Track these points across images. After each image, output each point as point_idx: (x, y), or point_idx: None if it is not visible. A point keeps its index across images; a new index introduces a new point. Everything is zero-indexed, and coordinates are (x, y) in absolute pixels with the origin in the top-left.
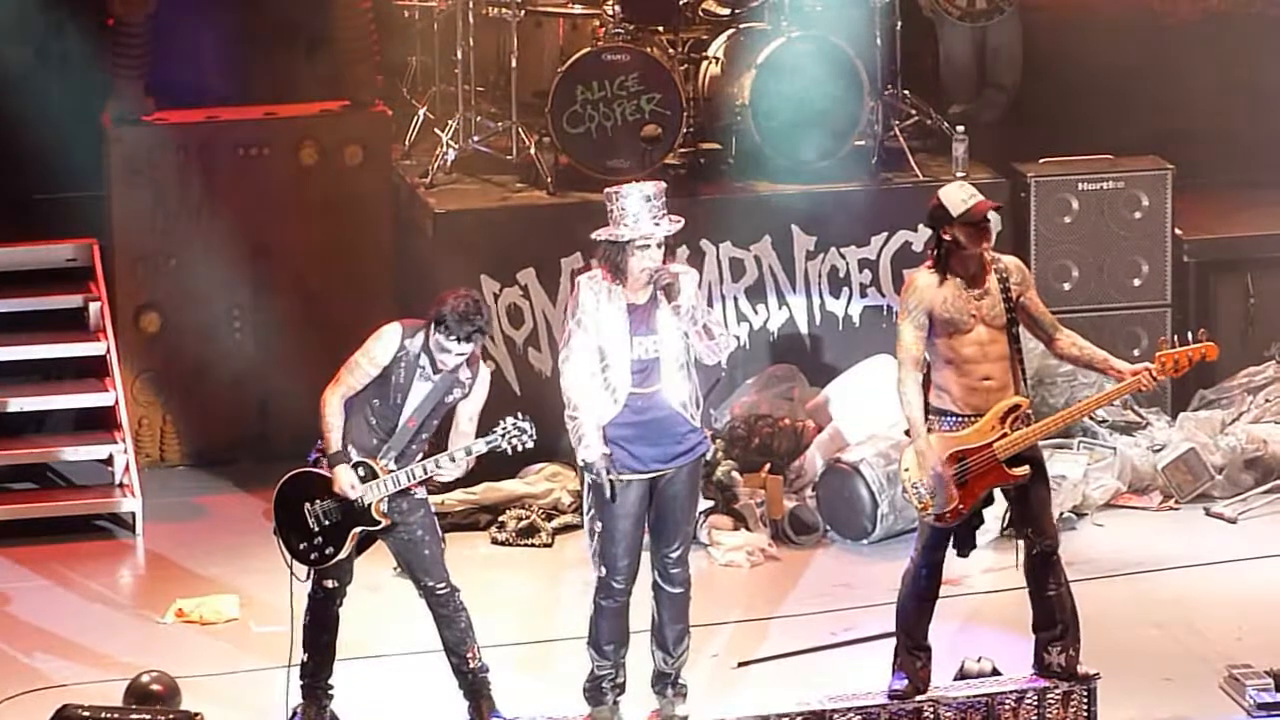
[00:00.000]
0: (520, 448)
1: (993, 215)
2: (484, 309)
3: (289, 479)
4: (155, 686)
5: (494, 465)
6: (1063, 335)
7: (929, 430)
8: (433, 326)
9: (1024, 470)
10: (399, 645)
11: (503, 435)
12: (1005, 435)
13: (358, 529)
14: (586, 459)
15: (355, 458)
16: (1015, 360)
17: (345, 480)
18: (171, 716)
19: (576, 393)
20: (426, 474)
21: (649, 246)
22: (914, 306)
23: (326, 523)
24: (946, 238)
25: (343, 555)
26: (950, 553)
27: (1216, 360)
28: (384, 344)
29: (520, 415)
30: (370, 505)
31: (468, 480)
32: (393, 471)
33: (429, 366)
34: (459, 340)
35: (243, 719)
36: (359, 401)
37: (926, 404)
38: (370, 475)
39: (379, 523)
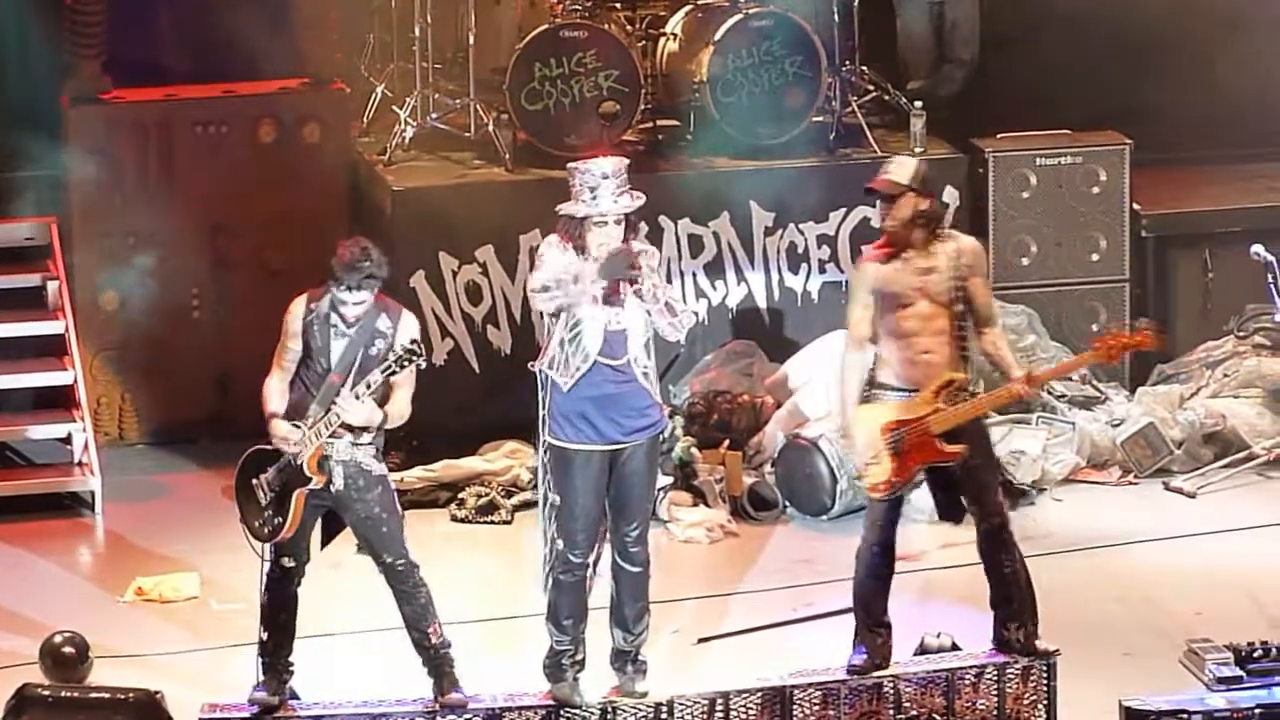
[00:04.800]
0: (418, 364)
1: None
2: (373, 254)
3: (246, 457)
4: (67, 649)
5: (452, 443)
6: (990, 332)
7: (870, 400)
8: (330, 282)
9: (960, 448)
10: (359, 623)
11: (395, 360)
12: (939, 410)
13: (298, 491)
14: (543, 281)
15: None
16: (957, 336)
17: (281, 431)
18: (131, 694)
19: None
20: (338, 420)
21: (605, 224)
22: (859, 286)
23: (271, 493)
24: None
25: (291, 522)
26: (903, 528)
27: (1175, 336)
28: (293, 314)
29: (410, 340)
30: (303, 464)
31: (426, 457)
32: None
33: (341, 322)
34: (351, 289)
35: (202, 697)
36: (297, 376)
37: (873, 377)
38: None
39: (311, 479)
